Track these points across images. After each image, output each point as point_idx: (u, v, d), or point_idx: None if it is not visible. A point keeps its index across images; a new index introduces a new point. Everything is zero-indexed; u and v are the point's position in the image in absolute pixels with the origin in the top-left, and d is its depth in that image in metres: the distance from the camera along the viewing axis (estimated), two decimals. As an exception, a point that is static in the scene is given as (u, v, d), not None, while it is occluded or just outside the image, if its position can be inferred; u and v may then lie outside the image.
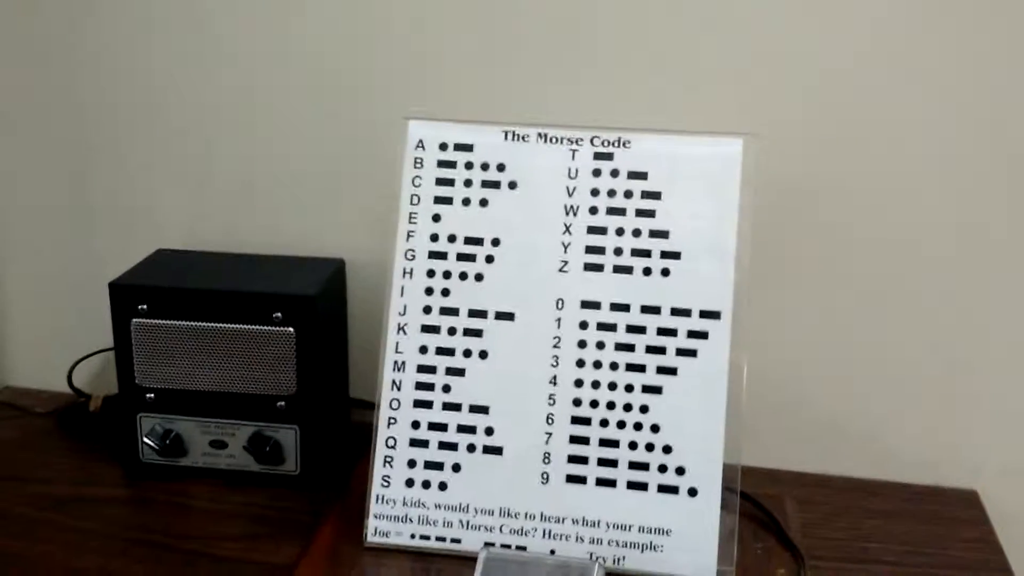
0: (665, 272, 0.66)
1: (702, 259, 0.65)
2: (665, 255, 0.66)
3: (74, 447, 0.80)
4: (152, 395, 0.73)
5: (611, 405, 0.65)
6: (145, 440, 0.74)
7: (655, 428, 0.65)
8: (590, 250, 0.66)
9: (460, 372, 0.67)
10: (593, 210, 0.67)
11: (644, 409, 0.65)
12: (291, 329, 0.71)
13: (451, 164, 0.69)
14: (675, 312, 0.65)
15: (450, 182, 0.68)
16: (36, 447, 0.80)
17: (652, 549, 0.64)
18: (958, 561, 0.69)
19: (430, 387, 0.67)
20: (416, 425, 0.67)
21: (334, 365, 0.79)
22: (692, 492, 0.64)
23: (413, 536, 0.66)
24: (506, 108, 0.76)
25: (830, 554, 0.68)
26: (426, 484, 0.66)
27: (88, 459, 0.78)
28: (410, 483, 0.67)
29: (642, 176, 0.66)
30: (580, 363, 0.66)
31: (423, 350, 0.67)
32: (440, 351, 0.67)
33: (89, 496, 0.73)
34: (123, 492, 0.74)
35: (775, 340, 0.77)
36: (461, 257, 0.68)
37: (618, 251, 0.66)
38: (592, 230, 0.67)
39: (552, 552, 0.64)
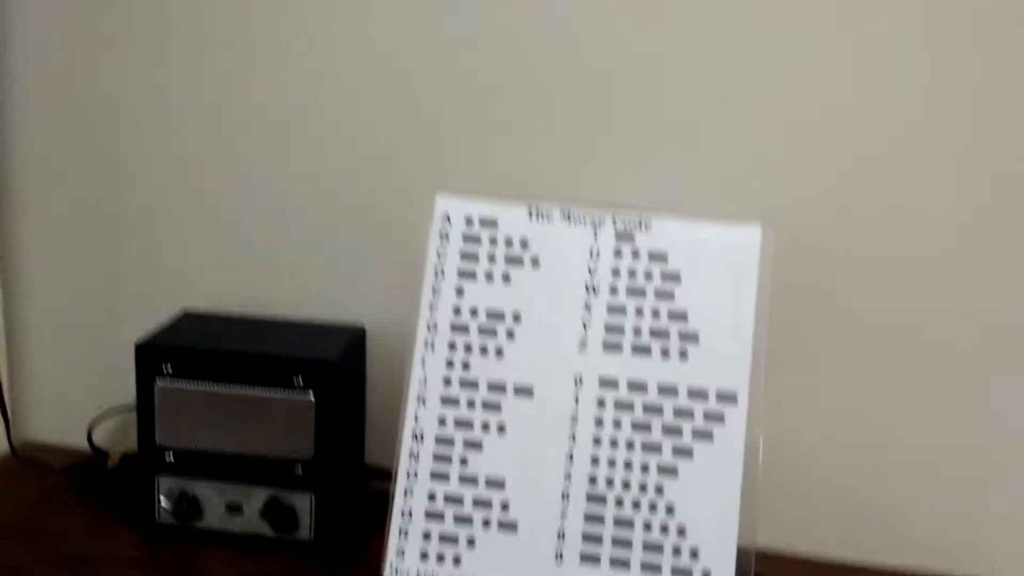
0: (683, 353, 0.66)
1: (720, 342, 0.66)
2: (683, 336, 0.67)
3: (90, 505, 0.81)
4: (171, 455, 0.74)
5: (626, 484, 0.66)
6: (162, 502, 0.74)
7: (670, 509, 0.65)
8: (609, 329, 0.67)
9: (477, 446, 0.68)
10: (613, 290, 0.68)
11: (659, 490, 0.65)
12: (311, 394, 0.72)
13: (476, 239, 0.70)
14: (692, 394, 0.66)
15: (474, 257, 0.70)
16: (52, 504, 0.81)
17: (664, 632, 0.64)
18: (971, 652, 0.68)
19: (447, 459, 0.68)
20: (432, 497, 0.67)
21: (352, 431, 0.79)
22: (705, 575, 0.64)
23: (426, 610, 0.66)
24: (531, 184, 0.78)
25: (842, 641, 0.68)
26: (440, 558, 0.67)
27: (103, 518, 0.79)
28: (424, 556, 0.67)
29: (662, 258, 0.68)
30: (597, 441, 0.66)
31: (442, 422, 0.68)
32: (458, 424, 0.68)
33: (104, 556, 0.73)
34: (137, 553, 0.74)
35: (792, 423, 0.77)
36: (482, 331, 0.69)
37: (637, 331, 0.67)
38: (612, 309, 0.68)
39: (564, 631, 0.64)
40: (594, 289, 0.68)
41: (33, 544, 0.74)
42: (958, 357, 0.75)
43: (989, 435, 0.76)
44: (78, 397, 0.89)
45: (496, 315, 0.69)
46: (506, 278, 0.69)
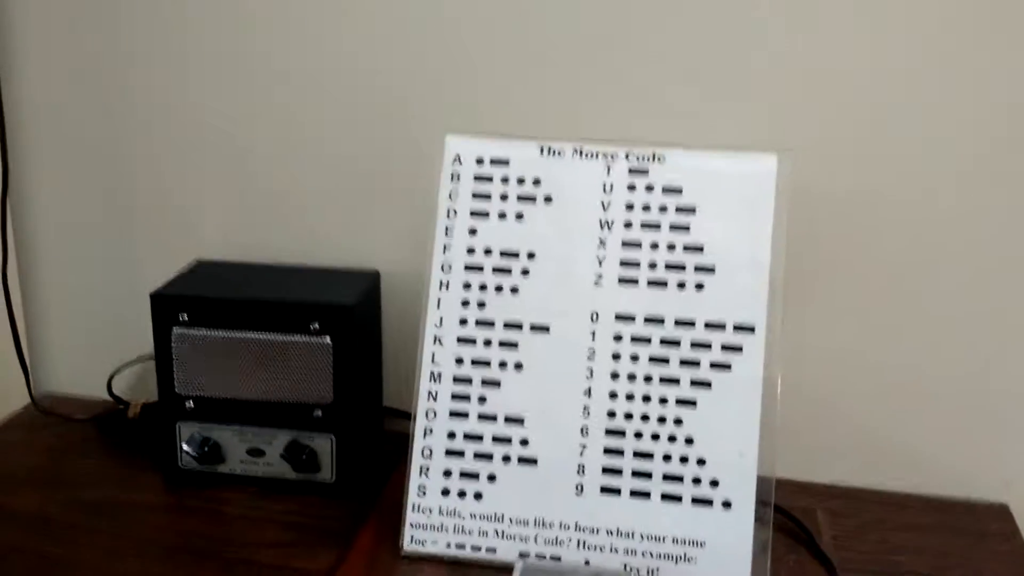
0: (699, 286, 0.66)
1: (736, 273, 0.66)
2: (699, 269, 0.66)
3: (113, 453, 0.82)
4: (191, 403, 0.75)
5: (645, 417, 0.66)
6: (184, 447, 0.75)
7: (689, 440, 0.65)
8: (625, 264, 0.67)
9: (495, 383, 0.68)
10: (628, 224, 0.68)
11: (678, 422, 0.66)
12: (328, 339, 0.72)
13: (487, 178, 0.70)
14: (709, 326, 0.66)
15: (486, 196, 0.69)
16: (75, 453, 0.82)
17: (686, 561, 0.64)
18: (989, 574, 0.69)
19: (466, 398, 0.68)
20: (452, 435, 0.68)
21: (369, 375, 0.80)
22: (726, 505, 0.65)
23: (449, 545, 0.67)
24: (542, 123, 0.77)
25: (862, 567, 0.68)
26: (462, 493, 0.67)
27: (126, 465, 0.79)
28: (446, 492, 0.67)
29: (677, 191, 0.67)
30: (615, 375, 0.67)
31: (459, 361, 0.68)
32: (476, 362, 0.68)
33: (128, 502, 0.75)
34: (162, 498, 0.75)
35: (808, 353, 0.78)
36: (497, 270, 0.69)
37: (652, 265, 0.67)
38: (627, 244, 0.67)
39: (586, 562, 0.65)
40: (608, 224, 0.68)
41: (59, 492, 0.75)
42: (976, 285, 0.75)
43: (1006, 362, 0.76)
44: (96, 349, 0.89)
45: (510, 253, 0.69)
46: (519, 216, 0.69)
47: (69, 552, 0.68)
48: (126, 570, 0.67)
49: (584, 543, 0.65)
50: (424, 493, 0.68)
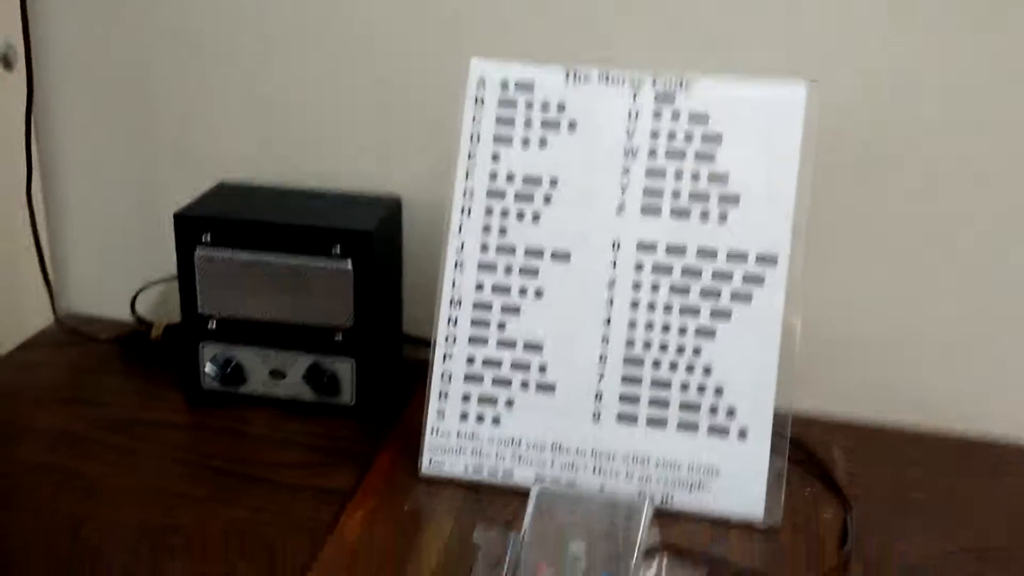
0: (723, 216, 0.66)
1: (760, 204, 0.65)
2: (723, 199, 0.66)
3: (136, 373, 0.83)
4: (214, 324, 0.75)
5: (664, 347, 0.66)
6: (206, 368, 0.76)
7: (707, 370, 0.65)
8: (648, 192, 0.67)
9: (515, 310, 0.68)
10: (652, 152, 0.67)
11: (697, 351, 0.66)
12: (349, 263, 0.72)
13: (511, 103, 0.69)
14: (731, 256, 0.65)
15: (510, 121, 0.69)
16: (99, 372, 0.83)
17: (700, 488, 0.65)
18: (1004, 511, 0.69)
19: (485, 324, 0.68)
20: (471, 361, 0.68)
21: (389, 300, 0.80)
22: (742, 434, 0.65)
23: (466, 468, 0.68)
24: (569, 47, 0.76)
25: (877, 501, 0.69)
26: (480, 418, 0.68)
27: (149, 385, 0.81)
28: (464, 416, 0.68)
29: (703, 119, 0.66)
30: (634, 304, 0.66)
31: (479, 287, 0.68)
32: (496, 289, 0.68)
33: (151, 420, 0.76)
34: (184, 417, 0.76)
35: (829, 287, 0.77)
36: (519, 197, 0.68)
37: (676, 194, 0.66)
38: (650, 173, 0.67)
39: (601, 488, 0.66)
40: (633, 152, 0.67)
41: (82, 409, 0.77)
42: (997, 223, 0.74)
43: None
44: (120, 270, 0.90)
45: (533, 180, 0.68)
46: (543, 143, 0.68)
47: (92, 467, 0.70)
48: (148, 485, 0.68)
49: (600, 469, 0.66)
50: (443, 417, 0.68)
